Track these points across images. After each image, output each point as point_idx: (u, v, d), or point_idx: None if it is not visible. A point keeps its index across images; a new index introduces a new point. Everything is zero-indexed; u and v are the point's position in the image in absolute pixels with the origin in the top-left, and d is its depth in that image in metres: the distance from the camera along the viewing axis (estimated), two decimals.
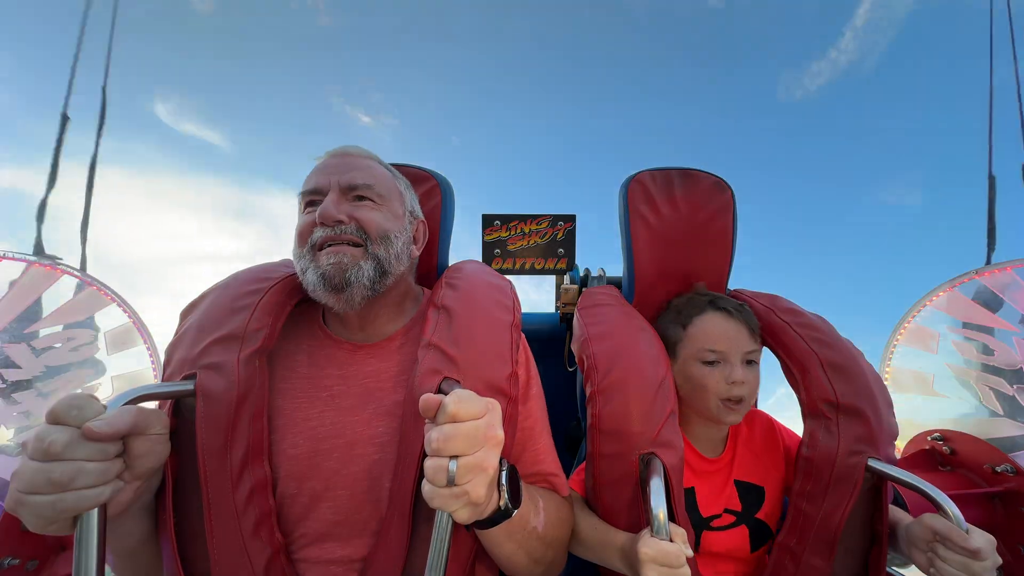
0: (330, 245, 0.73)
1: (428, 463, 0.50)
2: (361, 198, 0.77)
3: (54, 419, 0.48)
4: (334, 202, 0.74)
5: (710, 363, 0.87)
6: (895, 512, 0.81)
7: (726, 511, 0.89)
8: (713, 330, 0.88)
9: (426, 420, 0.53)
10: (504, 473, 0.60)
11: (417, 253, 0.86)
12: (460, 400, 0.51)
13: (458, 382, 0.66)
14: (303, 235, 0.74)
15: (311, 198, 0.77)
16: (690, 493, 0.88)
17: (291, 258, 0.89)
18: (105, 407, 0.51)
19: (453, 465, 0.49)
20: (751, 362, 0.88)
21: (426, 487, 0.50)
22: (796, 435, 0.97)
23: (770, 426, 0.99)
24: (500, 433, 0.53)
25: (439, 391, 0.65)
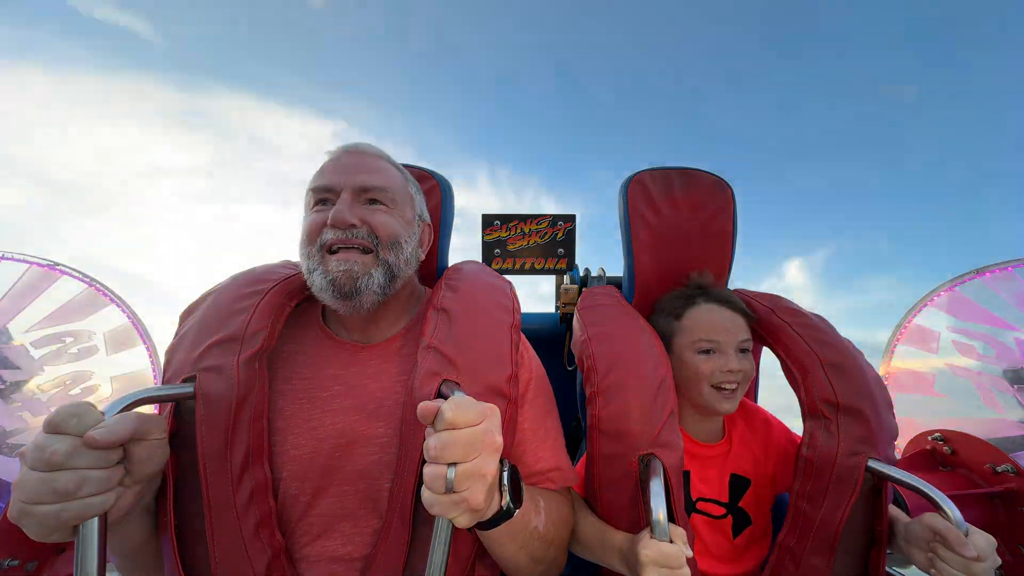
0: (340, 249, 0.72)
1: (426, 470, 0.50)
2: (374, 201, 0.76)
3: (53, 428, 0.48)
4: (347, 204, 0.73)
5: (705, 352, 0.89)
6: (894, 511, 0.81)
7: (715, 502, 0.91)
8: (707, 320, 0.90)
9: (426, 426, 0.53)
10: (505, 473, 0.60)
11: (423, 257, 0.87)
12: (457, 407, 0.51)
13: (457, 384, 0.66)
14: (312, 234, 0.74)
15: (322, 195, 0.76)
16: (684, 476, 0.89)
17: (288, 259, 0.88)
18: (103, 414, 0.51)
19: (451, 472, 0.49)
20: (744, 351, 0.90)
21: (425, 494, 0.50)
22: (790, 431, 0.99)
23: (765, 421, 1.00)
24: (499, 439, 0.53)
25: (438, 394, 0.65)
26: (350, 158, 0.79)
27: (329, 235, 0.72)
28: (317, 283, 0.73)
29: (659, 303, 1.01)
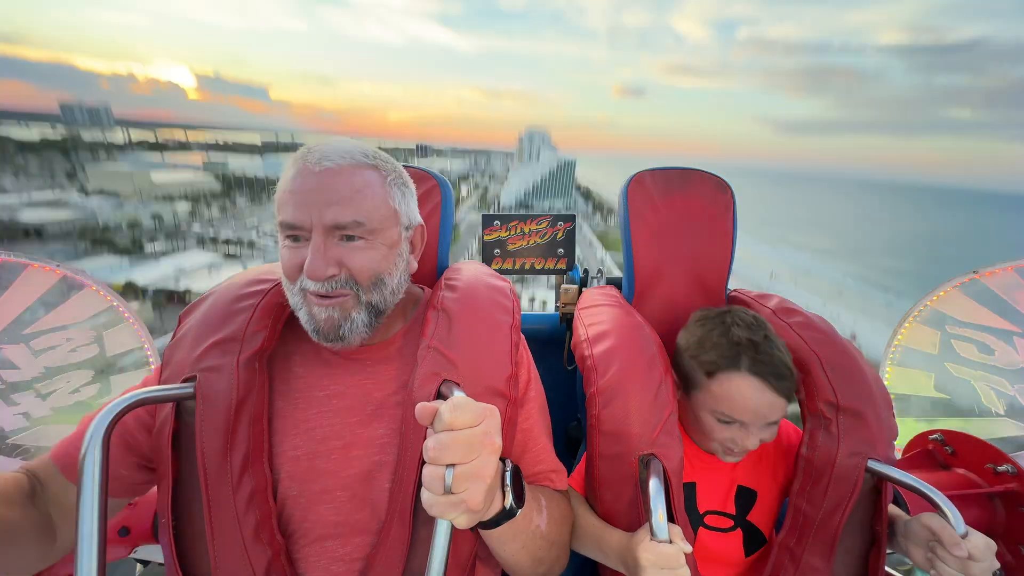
0: (321, 297, 0.68)
1: (425, 471, 0.50)
2: (350, 237, 0.68)
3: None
4: (320, 251, 0.65)
5: (725, 422, 0.80)
6: (893, 508, 0.81)
7: (722, 514, 0.88)
8: (740, 399, 0.77)
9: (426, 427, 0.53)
10: (508, 474, 0.60)
11: (415, 264, 0.81)
12: (456, 408, 0.51)
13: (457, 384, 0.66)
14: (290, 275, 0.69)
15: (291, 232, 0.67)
16: (690, 488, 0.88)
17: None
18: None
19: (450, 473, 0.49)
20: (773, 423, 0.80)
21: (424, 495, 0.50)
22: (800, 433, 0.96)
23: (781, 429, 0.96)
24: (498, 440, 0.53)
25: (438, 394, 0.65)
26: (315, 182, 0.66)
27: (309, 284, 0.67)
28: (302, 320, 0.71)
29: (693, 336, 0.85)
